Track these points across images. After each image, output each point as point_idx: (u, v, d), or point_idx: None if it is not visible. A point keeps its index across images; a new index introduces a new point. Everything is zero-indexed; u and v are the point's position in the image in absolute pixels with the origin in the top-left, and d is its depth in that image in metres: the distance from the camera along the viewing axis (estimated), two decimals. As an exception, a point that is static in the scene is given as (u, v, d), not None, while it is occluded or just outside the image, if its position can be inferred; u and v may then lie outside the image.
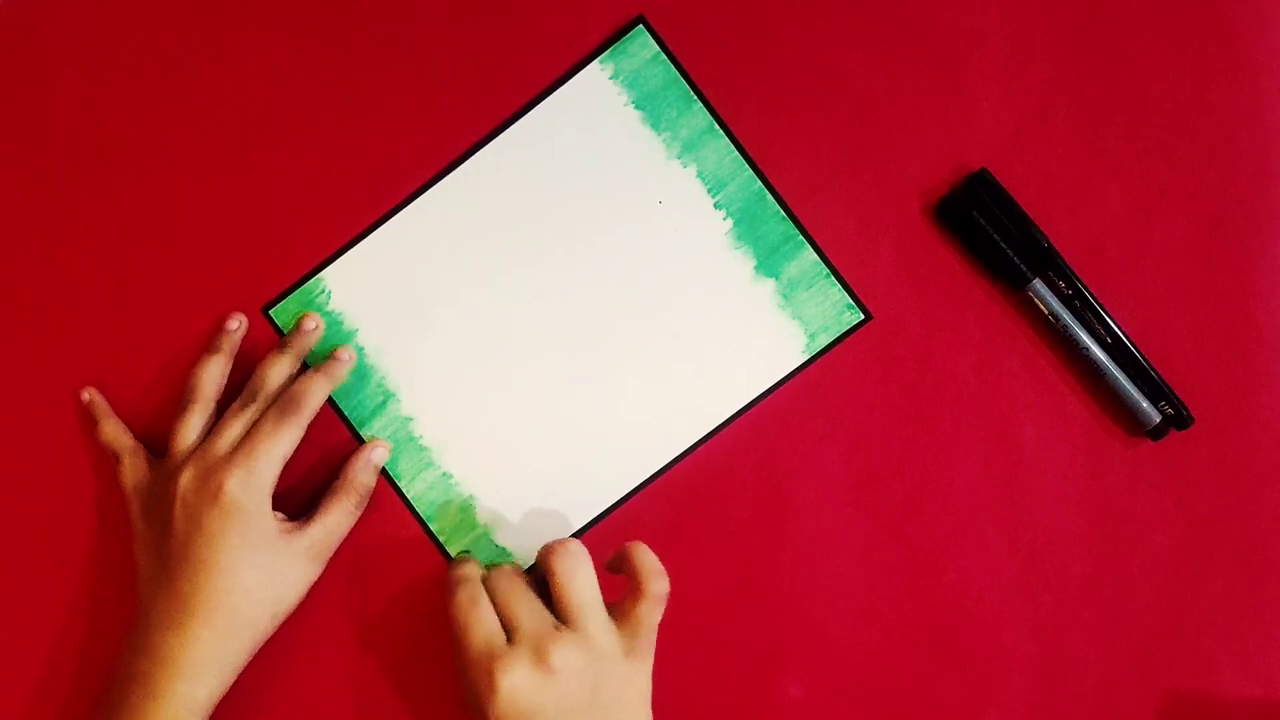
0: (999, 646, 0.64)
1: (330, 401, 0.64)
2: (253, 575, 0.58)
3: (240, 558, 0.58)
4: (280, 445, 0.59)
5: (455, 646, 0.57)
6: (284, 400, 0.61)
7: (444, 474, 0.64)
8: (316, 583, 0.63)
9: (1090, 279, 0.65)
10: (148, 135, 0.65)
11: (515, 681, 0.55)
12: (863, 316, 0.65)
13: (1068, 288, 0.65)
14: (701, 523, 0.65)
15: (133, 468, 0.62)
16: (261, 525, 0.59)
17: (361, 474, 0.63)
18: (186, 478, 0.59)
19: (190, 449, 0.61)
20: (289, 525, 0.61)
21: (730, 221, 0.65)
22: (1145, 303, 0.66)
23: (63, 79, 0.65)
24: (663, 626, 0.64)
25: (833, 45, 0.66)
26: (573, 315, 0.65)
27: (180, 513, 0.59)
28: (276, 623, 0.60)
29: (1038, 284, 0.65)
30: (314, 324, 0.64)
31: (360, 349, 0.65)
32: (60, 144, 0.65)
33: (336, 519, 0.62)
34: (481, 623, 0.57)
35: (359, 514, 0.63)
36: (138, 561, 0.61)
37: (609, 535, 0.65)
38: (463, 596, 0.58)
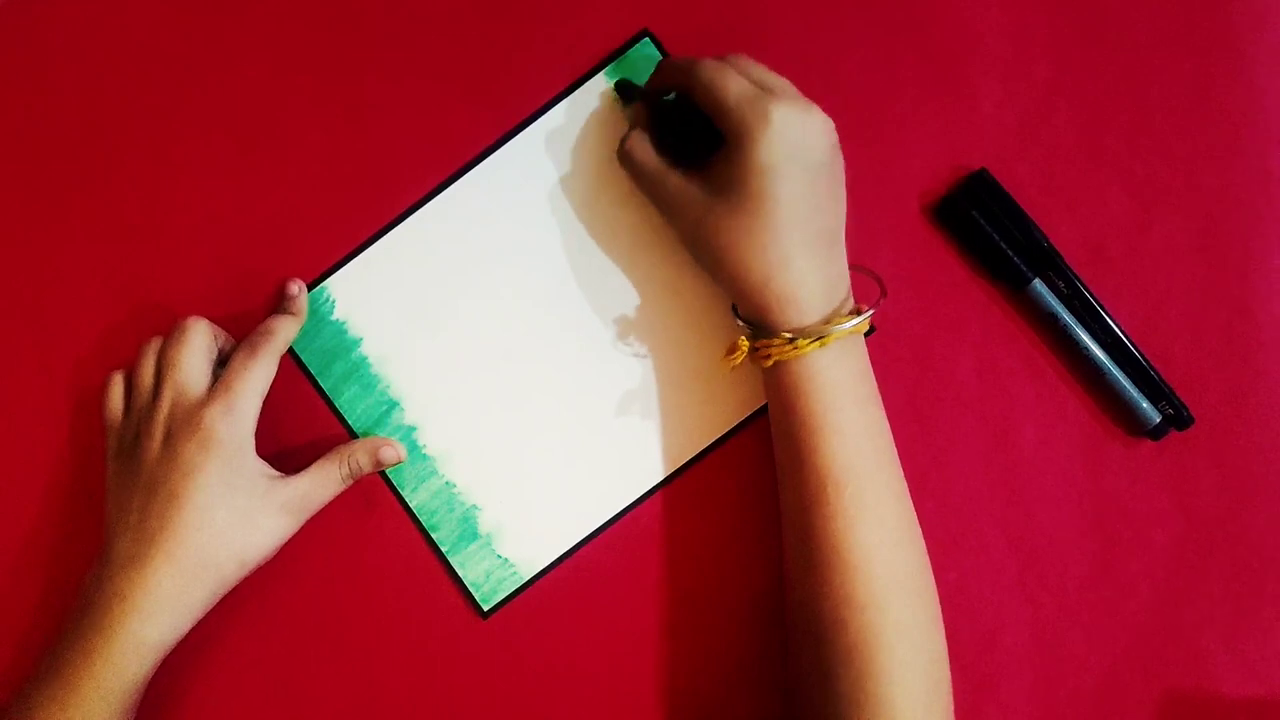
0: (999, 646, 0.65)
1: (334, 410, 0.65)
2: (225, 516, 0.58)
3: (215, 495, 0.57)
4: (256, 378, 0.59)
5: (712, 104, 0.57)
6: (254, 336, 0.61)
7: (447, 483, 0.65)
8: (316, 590, 0.64)
9: (1090, 279, 0.65)
10: (149, 141, 0.65)
11: (786, 114, 0.56)
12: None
13: (1067, 288, 0.65)
14: (705, 530, 0.65)
15: (116, 396, 0.62)
16: (242, 465, 0.58)
17: (360, 454, 0.62)
18: (165, 412, 0.59)
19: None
20: (272, 474, 0.60)
21: (732, 230, 0.65)
22: (1145, 303, 0.66)
23: (63, 79, 0.65)
24: (665, 632, 0.64)
25: (833, 47, 0.66)
26: (576, 325, 0.65)
27: (158, 446, 0.59)
28: (242, 572, 0.59)
29: (1038, 284, 0.65)
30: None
31: (364, 358, 0.65)
32: (60, 144, 0.65)
33: (321, 482, 0.61)
34: (735, 78, 0.57)
35: (344, 487, 0.62)
36: (107, 500, 0.60)
37: (614, 544, 0.65)
38: (708, 65, 0.58)
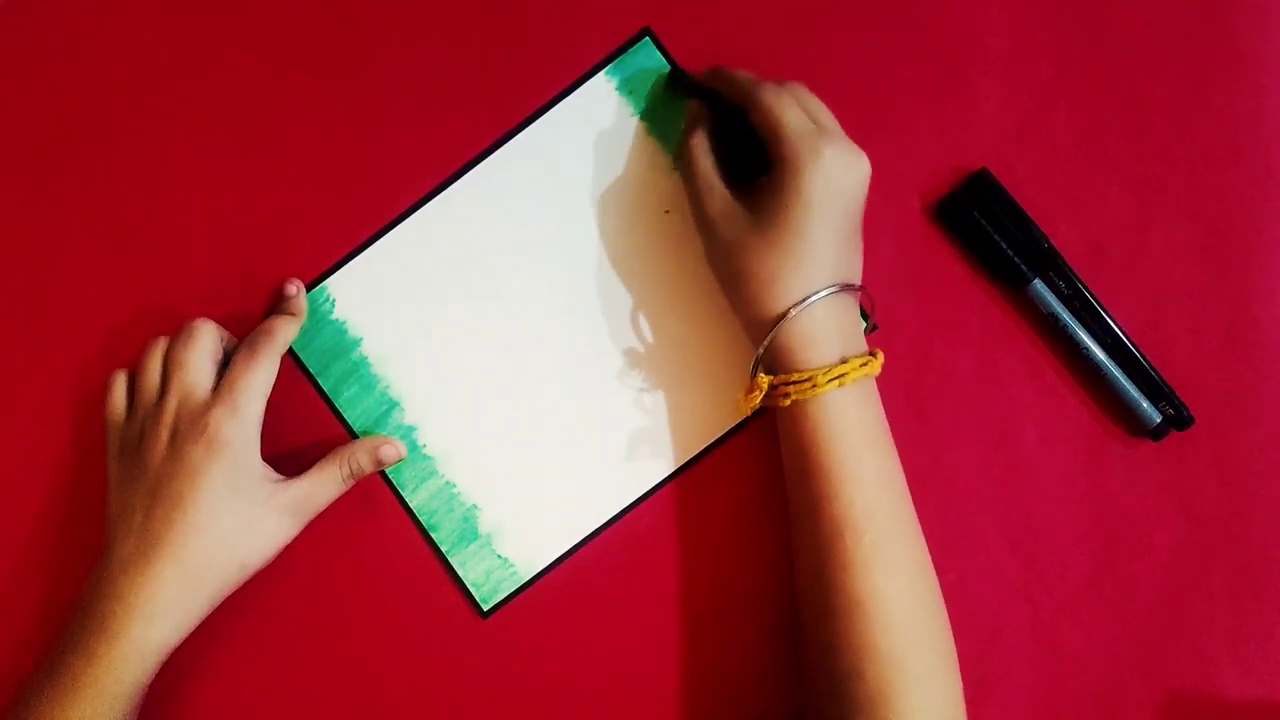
0: (999, 646, 0.65)
1: (334, 410, 0.65)
2: (229, 519, 0.58)
3: (220, 499, 0.57)
4: (259, 379, 0.59)
5: (768, 129, 0.58)
6: (254, 336, 0.61)
7: (447, 483, 0.65)
8: (316, 590, 0.64)
9: (1090, 279, 0.65)
10: (149, 141, 0.65)
11: (837, 154, 0.57)
12: (864, 324, 0.65)
13: (1068, 288, 0.65)
14: (705, 530, 0.65)
15: (119, 395, 0.62)
16: (247, 468, 0.59)
17: (360, 455, 0.62)
18: (171, 413, 0.59)
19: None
20: (274, 476, 0.60)
21: (735, 232, 0.65)
22: (1145, 303, 0.66)
23: (63, 79, 0.65)
24: (666, 632, 0.64)
25: (833, 47, 0.66)
26: (577, 325, 0.65)
27: (163, 447, 0.58)
28: (244, 575, 0.59)
29: (1038, 284, 0.65)
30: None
31: (364, 358, 0.65)
32: (60, 144, 0.65)
33: (323, 483, 0.61)
34: (794, 109, 0.58)
35: (345, 488, 0.62)
36: (109, 501, 0.60)
37: (614, 544, 0.65)
38: (770, 90, 0.59)
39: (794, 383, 0.57)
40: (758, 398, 0.59)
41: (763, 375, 0.59)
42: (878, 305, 0.64)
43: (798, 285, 0.57)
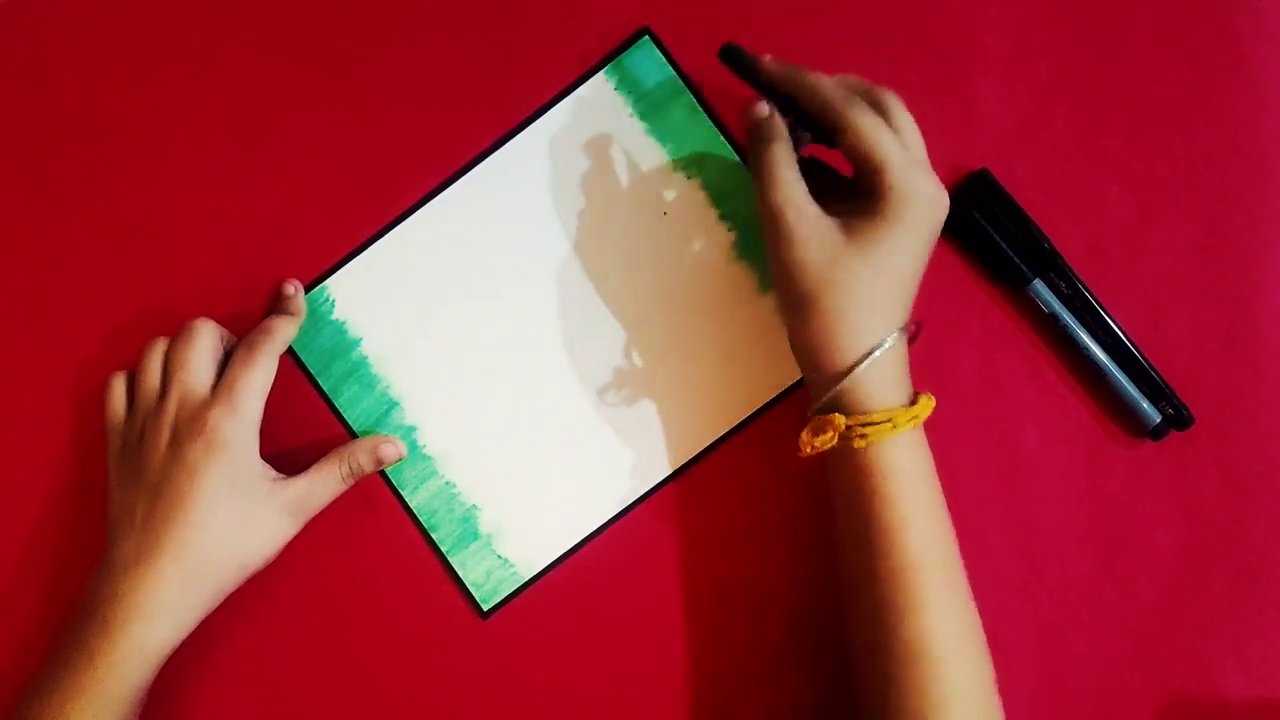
0: (999, 646, 0.64)
1: (334, 410, 0.65)
2: (228, 518, 0.58)
3: (220, 497, 0.57)
4: (257, 378, 0.59)
5: (864, 157, 0.55)
6: (252, 335, 0.61)
7: (447, 483, 0.65)
8: (316, 590, 0.64)
9: (1090, 279, 0.65)
10: (149, 141, 0.65)
11: (932, 193, 0.56)
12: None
13: (1068, 288, 0.65)
14: (704, 530, 0.65)
15: (118, 396, 0.62)
16: (246, 466, 0.59)
17: (360, 454, 0.62)
18: (171, 413, 0.59)
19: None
20: (273, 475, 0.60)
21: (735, 234, 0.65)
22: (1145, 303, 0.66)
23: (63, 79, 0.65)
24: (665, 632, 0.64)
25: (834, 48, 0.66)
26: (576, 324, 0.65)
27: (164, 447, 0.58)
28: (243, 575, 0.59)
29: (1038, 284, 0.65)
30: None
31: (364, 358, 0.65)
32: (60, 144, 0.65)
33: (323, 482, 0.61)
34: (894, 141, 0.55)
35: (345, 487, 0.62)
36: (109, 501, 0.60)
37: (613, 544, 0.65)
38: (865, 114, 0.55)
39: (874, 424, 0.55)
40: (832, 438, 0.56)
41: (838, 416, 0.56)
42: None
43: (883, 323, 0.55)
